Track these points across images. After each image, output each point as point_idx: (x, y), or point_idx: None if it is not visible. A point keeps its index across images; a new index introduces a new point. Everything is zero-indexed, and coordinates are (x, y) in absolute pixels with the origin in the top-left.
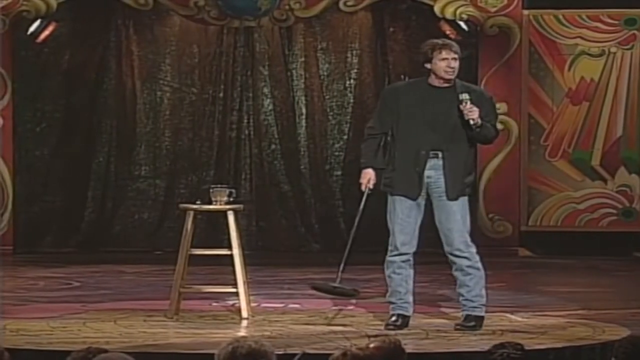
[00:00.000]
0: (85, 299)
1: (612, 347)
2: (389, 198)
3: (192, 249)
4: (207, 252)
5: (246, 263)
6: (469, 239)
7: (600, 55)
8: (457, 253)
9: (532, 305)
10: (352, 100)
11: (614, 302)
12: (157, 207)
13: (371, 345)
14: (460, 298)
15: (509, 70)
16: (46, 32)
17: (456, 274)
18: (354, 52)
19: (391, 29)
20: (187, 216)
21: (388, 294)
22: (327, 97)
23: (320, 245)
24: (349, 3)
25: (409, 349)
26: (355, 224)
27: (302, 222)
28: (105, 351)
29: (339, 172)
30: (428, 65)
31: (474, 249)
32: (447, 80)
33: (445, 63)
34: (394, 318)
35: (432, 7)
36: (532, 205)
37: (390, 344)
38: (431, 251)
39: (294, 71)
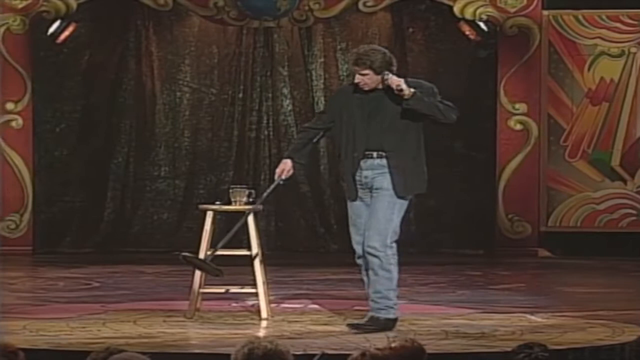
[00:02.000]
0: (104, 300)
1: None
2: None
3: (212, 250)
4: (227, 252)
5: (265, 263)
6: (389, 240)
7: (620, 55)
8: (372, 252)
9: (551, 305)
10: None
11: (633, 302)
12: (176, 207)
13: (392, 346)
14: (368, 298)
15: (529, 71)
16: (66, 33)
17: (369, 272)
18: None
19: (410, 30)
20: (207, 217)
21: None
22: None
23: (339, 246)
24: (368, 3)
25: (428, 349)
26: (246, 213)
27: (321, 223)
28: (124, 352)
29: None
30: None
31: (390, 251)
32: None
33: (357, 79)
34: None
35: (451, 7)
36: (551, 206)
37: (410, 344)
38: (449, 252)
39: (313, 71)
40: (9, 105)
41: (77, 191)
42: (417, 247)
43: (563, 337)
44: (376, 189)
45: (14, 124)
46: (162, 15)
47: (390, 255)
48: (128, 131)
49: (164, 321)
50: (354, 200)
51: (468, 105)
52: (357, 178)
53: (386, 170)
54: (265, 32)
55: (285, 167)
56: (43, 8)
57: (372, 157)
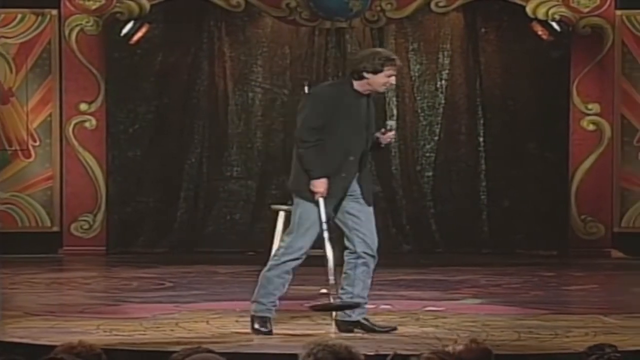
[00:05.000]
0: (178, 300)
1: None
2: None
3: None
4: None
5: (338, 264)
6: None
7: None
8: (375, 254)
9: (625, 306)
10: (443, 101)
11: None
12: (248, 207)
13: (459, 347)
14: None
15: (602, 71)
16: (139, 34)
17: (362, 276)
18: (446, 53)
19: (483, 30)
20: (279, 217)
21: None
22: (418, 98)
23: (412, 246)
24: (440, 4)
25: (501, 350)
26: (326, 238)
27: (393, 223)
28: (211, 351)
29: (430, 173)
30: (369, 75)
31: None
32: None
33: (392, 79)
34: None
35: (524, 7)
36: (624, 207)
37: (477, 345)
38: (523, 253)
39: None
40: (83, 106)
41: (151, 191)
42: (490, 247)
43: (637, 338)
44: (359, 194)
45: (87, 124)
46: (234, 16)
47: None
48: (201, 132)
49: (237, 321)
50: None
51: (541, 106)
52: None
53: (357, 176)
54: (337, 33)
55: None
56: (116, 9)
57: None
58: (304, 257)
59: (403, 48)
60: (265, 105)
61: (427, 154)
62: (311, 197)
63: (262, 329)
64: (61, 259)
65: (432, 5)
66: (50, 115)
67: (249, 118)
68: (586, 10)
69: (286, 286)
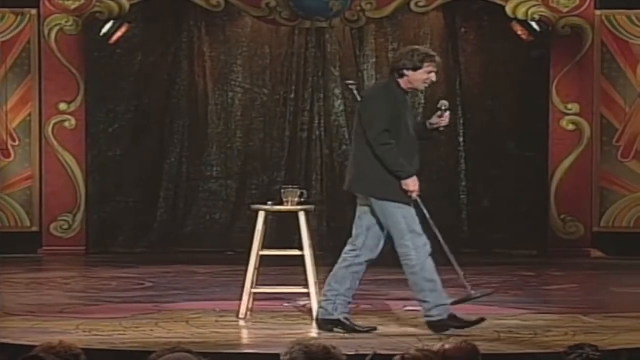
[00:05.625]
0: (157, 299)
1: None
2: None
3: (264, 250)
4: (279, 252)
5: (317, 264)
6: None
7: None
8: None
9: (604, 306)
10: (422, 101)
11: None
12: (228, 207)
13: (446, 347)
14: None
15: (581, 71)
16: (119, 34)
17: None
18: None
19: (463, 30)
20: (259, 217)
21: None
22: None
23: (391, 246)
24: (420, 4)
25: (481, 350)
26: (437, 232)
27: None
28: (189, 351)
29: None
30: (409, 72)
31: None
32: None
33: (432, 75)
34: None
35: (503, 7)
36: (604, 206)
37: (465, 345)
38: (502, 252)
39: (365, 72)
40: (62, 106)
41: (130, 191)
42: (470, 247)
43: (616, 337)
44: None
45: (67, 124)
46: (214, 16)
47: None
48: (181, 131)
49: (217, 321)
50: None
51: (521, 106)
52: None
53: None
54: (317, 33)
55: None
56: (96, 9)
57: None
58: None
59: (383, 48)
60: (245, 105)
61: None
62: (406, 198)
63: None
64: (41, 259)
65: (412, 5)
66: (29, 115)
67: (229, 118)
68: (566, 10)
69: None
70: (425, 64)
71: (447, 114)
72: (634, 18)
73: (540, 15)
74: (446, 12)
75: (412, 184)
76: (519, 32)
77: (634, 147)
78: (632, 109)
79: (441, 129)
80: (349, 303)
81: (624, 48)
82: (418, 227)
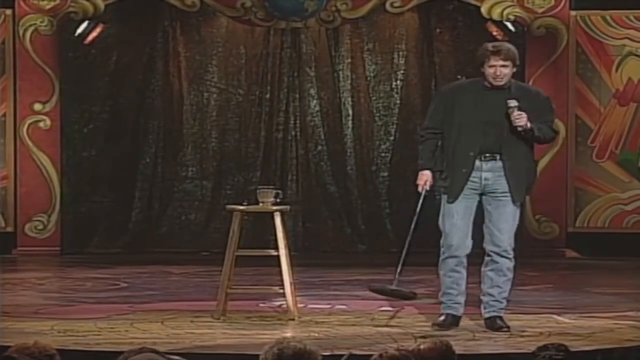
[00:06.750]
0: (132, 300)
1: None
2: (443, 200)
3: (239, 250)
4: (254, 253)
5: (293, 264)
6: (513, 243)
7: None
8: (504, 254)
9: (579, 306)
10: (398, 102)
11: None
12: (203, 208)
13: (421, 347)
14: (489, 299)
15: (556, 71)
16: (93, 34)
17: (491, 274)
18: (401, 53)
19: (438, 30)
20: (234, 217)
21: (440, 293)
22: (373, 98)
23: (367, 246)
24: (395, 4)
25: (456, 350)
26: (412, 226)
27: (349, 223)
28: (155, 351)
29: (386, 173)
30: (482, 69)
31: (513, 253)
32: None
33: (493, 70)
34: (442, 317)
35: (478, 8)
36: (579, 207)
37: (440, 345)
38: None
39: (340, 72)
40: (37, 106)
41: (105, 192)
42: None
43: (591, 338)
44: (501, 192)
45: (41, 124)
46: (189, 15)
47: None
48: (156, 132)
49: (192, 322)
50: (456, 198)
51: None
52: (472, 178)
53: (503, 173)
54: (293, 33)
55: (427, 177)
56: (71, 9)
57: (493, 159)
58: (463, 254)
59: (358, 48)
60: (220, 105)
61: (383, 154)
62: (444, 192)
63: (439, 324)
64: (15, 259)
65: (387, 6)
66: (4, 115)
67: (204, 118)
68: (541, 10)
69: (461, 283)
70: (486, 59)
71: (516, 112)
72: (608, 18)
73: (515, 16)
74: (421, 12)
75: (419, 177)
76: (494, 33)
77: (608, 148)
78: (607, 109)
79: (519, 128)
80: (497, 301)
81: (598, 48)
82: (446, 226)
